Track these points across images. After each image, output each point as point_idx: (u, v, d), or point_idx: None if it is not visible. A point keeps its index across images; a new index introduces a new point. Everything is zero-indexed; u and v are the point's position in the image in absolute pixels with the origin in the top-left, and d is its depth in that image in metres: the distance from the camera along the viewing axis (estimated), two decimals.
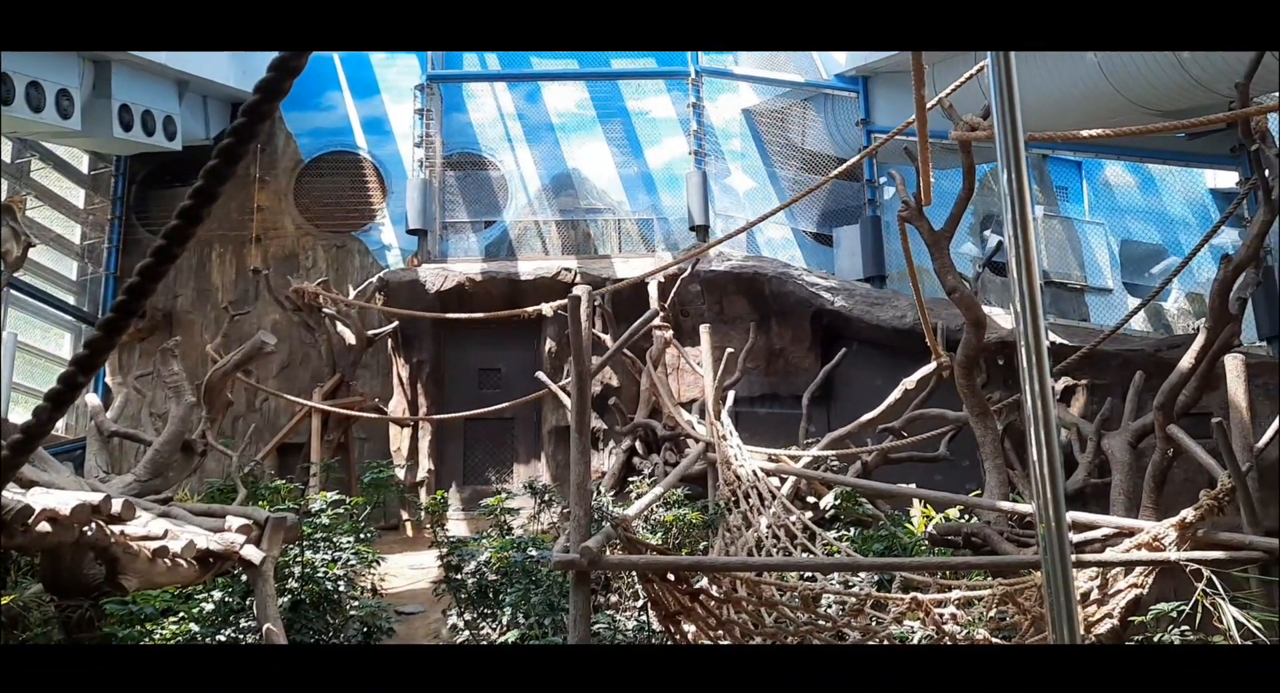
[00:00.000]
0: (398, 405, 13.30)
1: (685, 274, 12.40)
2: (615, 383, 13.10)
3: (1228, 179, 15.14)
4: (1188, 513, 5.60)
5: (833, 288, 12.57)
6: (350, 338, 12.82)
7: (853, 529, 9.00)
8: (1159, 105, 9.95)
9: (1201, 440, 6.84)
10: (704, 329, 10.05)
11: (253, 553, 6.55)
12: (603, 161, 14.70)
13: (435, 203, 13.99)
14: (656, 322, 11.89)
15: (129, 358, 14.09)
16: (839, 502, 9.38)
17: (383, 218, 14.46)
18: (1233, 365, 6.57)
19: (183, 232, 1.74)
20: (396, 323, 13.12)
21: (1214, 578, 4.38)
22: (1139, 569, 5.49)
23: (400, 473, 12.75)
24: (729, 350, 10.03)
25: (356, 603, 8.03)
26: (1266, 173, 6.90)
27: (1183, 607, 4.59)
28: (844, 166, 9.04)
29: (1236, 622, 4.42)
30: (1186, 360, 7.15)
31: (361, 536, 9.08)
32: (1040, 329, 1.87)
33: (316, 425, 12.22)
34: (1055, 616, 1.86)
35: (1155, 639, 6.18)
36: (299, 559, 7.73)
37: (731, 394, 10.85)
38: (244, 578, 6.78)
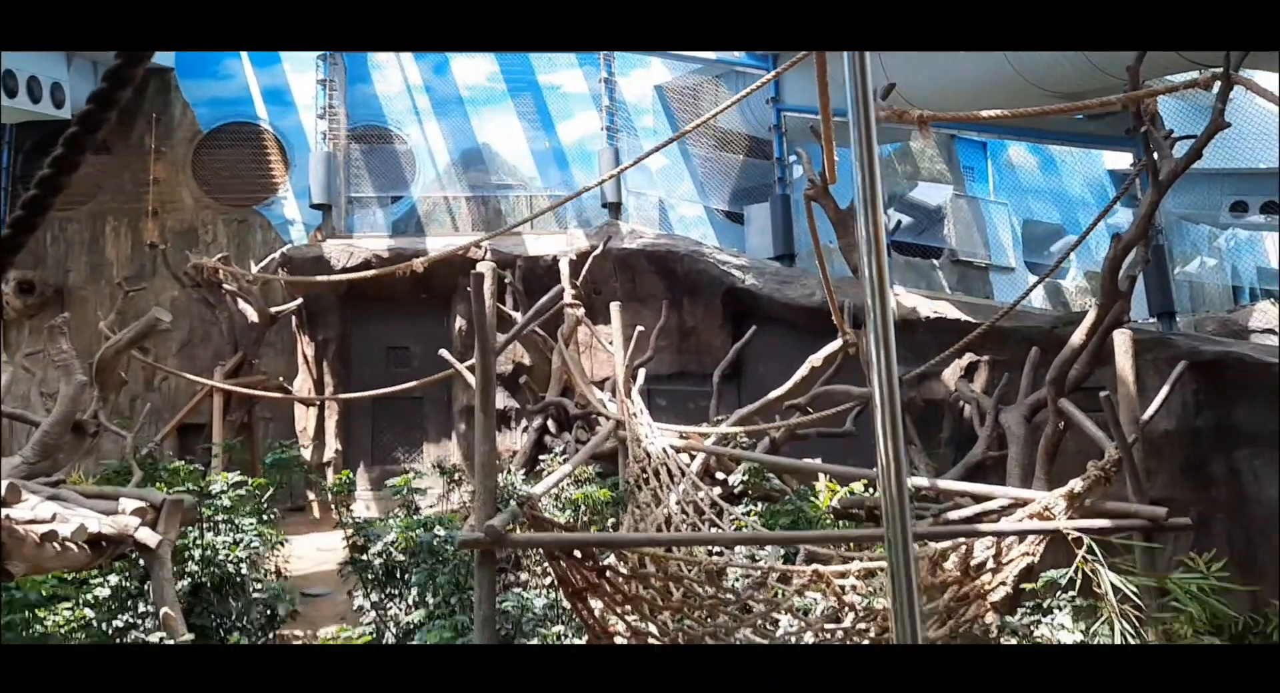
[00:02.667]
0: (303, 385, 13.01)
1: (598, 251, 12.35)
2: (527, 361, 13.03)
3: (1124, 160, 15.66)
4: (1076, 483, 5.80)
5: (743, 266, 12.66)
6: (252, 315, 12.48)
7: (760, 504, 9.13)
8: (1060, 88, 10.21)
9: (1093, 414, 7.08)
10: (614, 307, 10.04)
11: (148, 536, 6.36)
12: (514, 136, 14.51)
13: (340, 177, 13.65)
14: (568, 299, 11.84)
15: (18, 335, 13.49)
16: (747, 478, 9.50)
17: (285, 192, 14.04)
18: (1121, 341, 6.82)
19: (40, 202, 1.65)
20: (300, 300, 12.81)
21: (1094, 545, 4.55)
22: (1031, 538, 5.67)
23: (306, 453, 12.50)
24: (639, 328, 10.04)
25: (260, 586, 7.89)
26: (1155, 155, 7.14)
27: (1072, 574, 4.75)
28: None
29: (1114, 587, 4.60)
30: (1078, 336, 7.40)
31: (264, 517, 8.89)
32: (888, 311, 1.89)
33: (218, 405, 11.90)
34: (896, 588, 1.87)
35: (1045, 605, 6.42)
36: (199, 542, 7.55)
37: (642, 372, 10.88)
38: (142, 562, 6.59)
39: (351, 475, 10.72)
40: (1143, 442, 7.19)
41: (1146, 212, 7.07)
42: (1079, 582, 4.63)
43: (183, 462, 10.31)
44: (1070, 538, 4.61)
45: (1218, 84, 6.09)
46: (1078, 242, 8.89)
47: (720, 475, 9.90)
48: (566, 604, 6.66)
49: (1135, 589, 4.81)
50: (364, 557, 7.74)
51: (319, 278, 12.14)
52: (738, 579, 6.67)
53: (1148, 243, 7.70)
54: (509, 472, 9.83)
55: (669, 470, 8.72)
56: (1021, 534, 5.64)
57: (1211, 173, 12.60)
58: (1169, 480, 8.72)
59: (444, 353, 7.27)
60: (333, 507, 10.18)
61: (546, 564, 7.16)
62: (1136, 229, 7.14)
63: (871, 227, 1.90)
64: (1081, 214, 17.16)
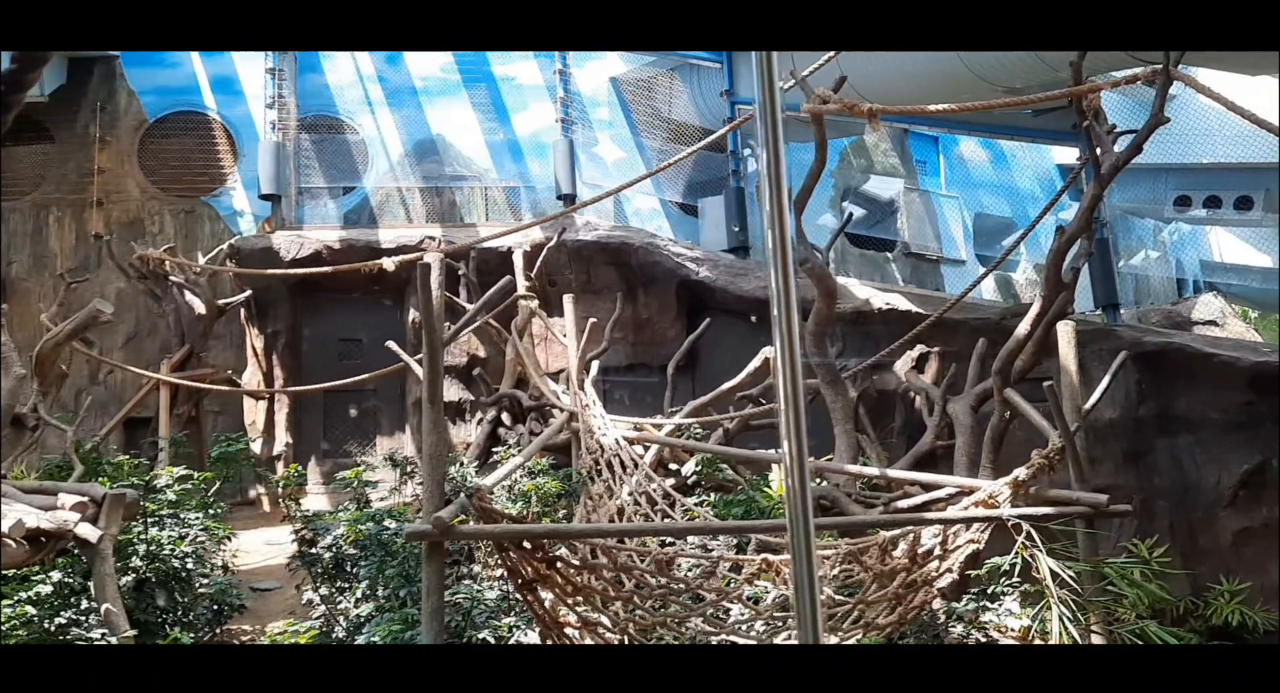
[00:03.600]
0: (252, 378, 12.84)
1: (552, 243, 12.31)
2: (482, 353, 12.96)
3: (1072, 155, 15.89)
4: (1020, 472, 5.91)
5: (698, 258, 12.68)
6: (200, 307, 12.28)
7: (713, 495, 9.17)
8: (1008, 83, 10.34)
9: (1038, 403, 7.19)
10: (568, 299, 10.02)
11: (88, 531, 6.24)
12: (468, 128, 14.40)
13: (290, 167, 13.47)
14: (521, 291, 11.79)
15: None
16: (700, 468, 9.54)
17: (234, 182, 13.82)
18: (1064, 332, 6.94)
19: None
20: (249, 292, 12.63)
21: (1032, 532, 4.63)
22: (977, 525, 5.76)
23: (256, 447, 12.35)
24: (592, 320, 10.04)
25: (206, 581, 7.78)
26: (1098, 149, 7.25)
27: (1012, 561, 4.83)
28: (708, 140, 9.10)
29: (1052, 573, 4.68)
30: (1023, 327, 7.50)
31: (211, 512, 8.77)
32: (792, 309, 1.90)
33: (165, 399, 11.69)
34: (798, 586, 1.88)
35: (990, 591, 6.52)
36: (143, 537, 7.43)
37: (596, 364, 10.87)
38: (85, 558, 6.47)
39: (301, 469, 10.59)
40: (1087, 431, 7.32)
41: (1088, 205, 7.19)
42: (1018, 568, 4.71)
43: (127, 456, 10.15)
44: (1010, 525, 4.69)
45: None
46: (1022, 236, 9.03)
47: (674, 466, 9.93)
48: (519, 596, 6.66)
49: (1073, 574, 4.90)
50: (313, 550, 7.67)
51: (274, 271, 11.99)
52: (690, 570, 6.70)
53: (1091, 236, 7.82)
54: (462, 464, 9.77)
55: (622, 462, 8.74)
56: (967, 522, 5.73)
57: (1156, 168, 12.83)
58: (1112, 468, 8.89)
59: (391, 344, 7.20)
60: (281, 500, 10.06)
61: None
62: (1079, 222, 7.26)
63: (777, 227, 1.90)
64: (1031, 208, 17.39)
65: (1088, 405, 6.90)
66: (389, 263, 9.26)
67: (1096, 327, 9.60)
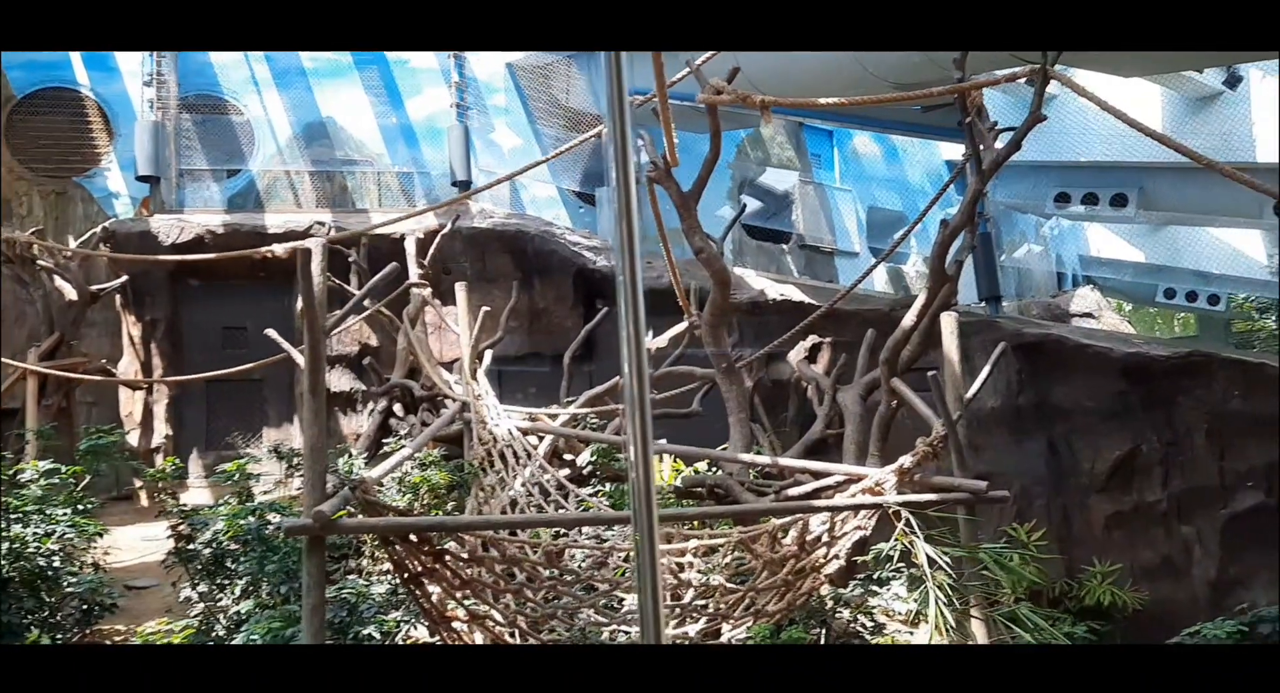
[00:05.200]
0: (129, 367, 12.29)
1: (446, 231, 12.10)
2: (373, 342, 12.69)
3: (960, 151, 16.33)
4: (905, 460, 6.04)
5: (595, 247, 12.63)
6: (71, 294, 11.70)
7: (609, 485, 9.15)
8: (898, 79, 10.54)
9: (923, 393, 7.36)
10: (460, 287, 9.84)
11: None
12: (360, 111, 14.04)
13: (170, 148, 12.91)
14: (414, 278, 11.57)
15: None
16: (595, 458, 9.50)
17: (109, 163, 13.18)
18: (948, 323, 7.10)
19: None
20: (125, 278, 12.09)
21: (911, 519, 4.72)
22: (864, 512, 5.87)
23: (133, 439, 11.84)
24: (485, 309, 9.88)
25: (75, 580, 7.42)
26: (980, 145, 7.45)
27: (892, 547, 4.93)
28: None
29: (929, 558, 4.79)
30: (909, 319, 7.67)
31: (81, 507, 8.36)
32: (639, 306, 1.87)
33: (32, 389, 11.11)
34: (640, 582, 1.85)
35: (876, 577, 6.65)
36: (5, 535, 7.04)
37: (489, 353, 10.72)
38: None
39: (180, 462, 10.20)
40: (969, 419, 7.53)
41: (970, 199, 7.38)
42: (898, 554, 4.80)
43: None
44: (890, 512, 4.77)
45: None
46: (908, 230, 9.22)
47: (569, 457, 9.87)
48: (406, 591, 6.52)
49: (950, 560, 5.03)
50: (191, 546, 7.38)
51: (153, 256, 11.49)
52: (583, 561, 6.66)
53: (974, 230, 8.03)
54: (350, 456, 9.54)
55: (515, 453, 8.64)
56: (855, 509, 5.83)
57: (1037, 165, 13.28)
58: (994, 456, 9.15)
59: (272, 332, 6.95)
60: (158, 494, 9.67)
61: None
62: (962, 216, 7.45)
63: (625, 223, 1.87)
64: (922, 202, 17.85)
65: (969, 395, 7.09)
66: (280, 249, 8.91)
67: (979, 318, 9.88)
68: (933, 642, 5.37)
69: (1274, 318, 16.65)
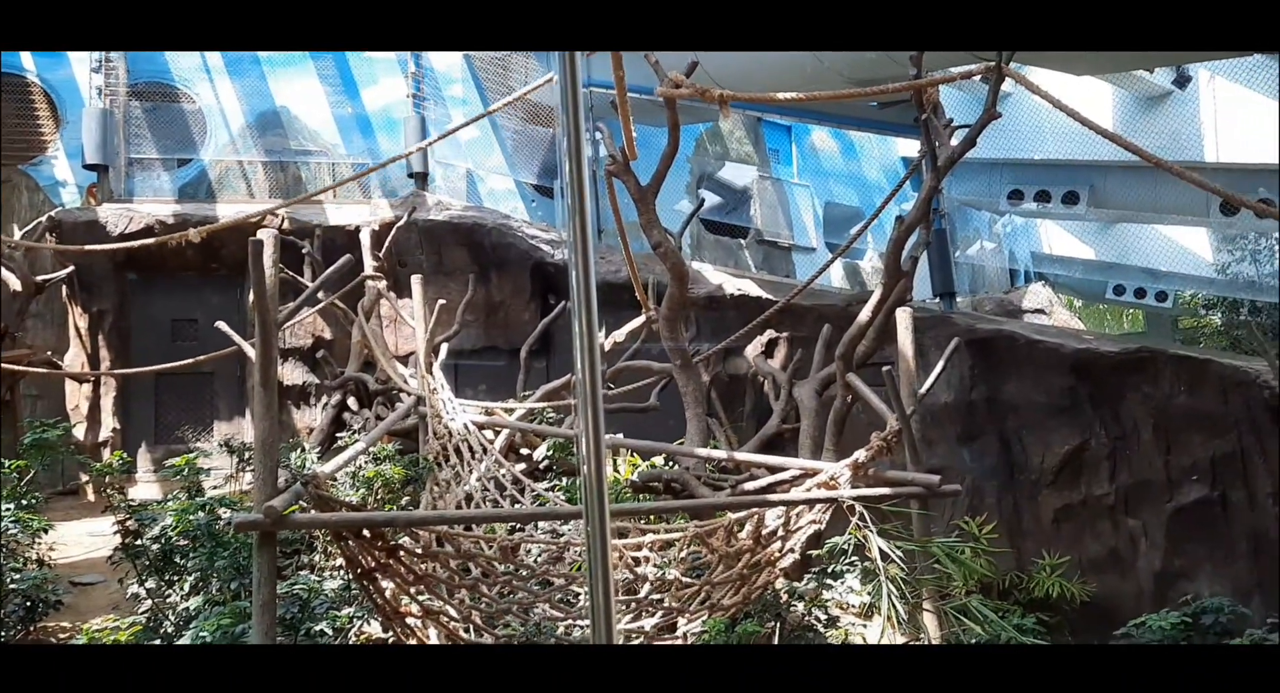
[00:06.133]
0: (76, 359, 12.02)
1: (402, 223, 11.97)
2: (327, 335, 12.53)
3: (916, 148, 16.48)
4: (860, 454, 6.09)
5: (553, 241, 12.55)
6: (15, 284, 11.41)
7: (565, 479, 9.12)
8: (856, 75, 10.60)
9: (878, 388, 7.42)
10: (415, 280, 9.75)
11: None
12: (315, 101, 13.84)
13: (119, 136, 12.64)
14: (369, 271, 11.44)
15: None
16: (551, 453, 9.46)
17: (56, 151, 12.87)
18: (903, 319, 7.16)
19: None
20: (72, 268, 11.82)
21: (864, 513, 4.76)
22: (819, 506, 5.91)
23: (80, 433, 11.60)
24: (442, 302, 9.80)
25: (18, 576, 7.27)
26: (935, 142, 7.52)
27: (846, 541, 4.96)
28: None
29: (882, 552, 4.83)
30: (864, 314, 7.73)
31: (25, 502, 8.18)
32: (592, 304, 1.86)
33: None
34: (591, 579, 1.84)
35: (831, 570, 6.70)
36: None
37: (445, 347, 10.64)
38: None
39: (128, 456, 9.99)
40: (922, 414, 7.60)
41: (925, 196, 7.45)
42: (852, 548, 4.84)
43: None
44: (844, 505, 4.81)
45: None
46: (864, 225, 9.29)
47: (525, 451, 9.83)
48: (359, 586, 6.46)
49: (902, 553, 5.07)
50: (139, 542, 7.25)
51: (98, 246, 11.21)
52: (538, 556, 6.64)
53: (929, 226, 8.11)
54: (303, 450, 9.42)
55: (471, 447, 8.59)
56: (809, 503, 5.86)
57: (992, 162, 13.44)
58: (947, 450, 9.26)
59: (222, 325, 6.83)
60: (105, 489, 9.48)
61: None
62: (917, 212, 7.52)
63: (578, 220, 1.87)
64: (878, 198, 17.96)
65: (923, 390, 7.16)
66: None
67: (933, 314, 9.97)
68: (885, 635, 5.42)
69: (1219, 315, 16.97)
